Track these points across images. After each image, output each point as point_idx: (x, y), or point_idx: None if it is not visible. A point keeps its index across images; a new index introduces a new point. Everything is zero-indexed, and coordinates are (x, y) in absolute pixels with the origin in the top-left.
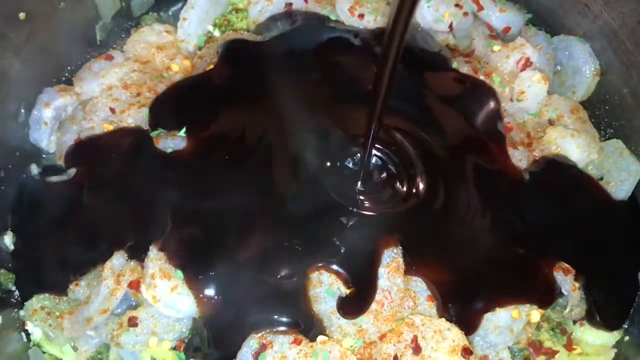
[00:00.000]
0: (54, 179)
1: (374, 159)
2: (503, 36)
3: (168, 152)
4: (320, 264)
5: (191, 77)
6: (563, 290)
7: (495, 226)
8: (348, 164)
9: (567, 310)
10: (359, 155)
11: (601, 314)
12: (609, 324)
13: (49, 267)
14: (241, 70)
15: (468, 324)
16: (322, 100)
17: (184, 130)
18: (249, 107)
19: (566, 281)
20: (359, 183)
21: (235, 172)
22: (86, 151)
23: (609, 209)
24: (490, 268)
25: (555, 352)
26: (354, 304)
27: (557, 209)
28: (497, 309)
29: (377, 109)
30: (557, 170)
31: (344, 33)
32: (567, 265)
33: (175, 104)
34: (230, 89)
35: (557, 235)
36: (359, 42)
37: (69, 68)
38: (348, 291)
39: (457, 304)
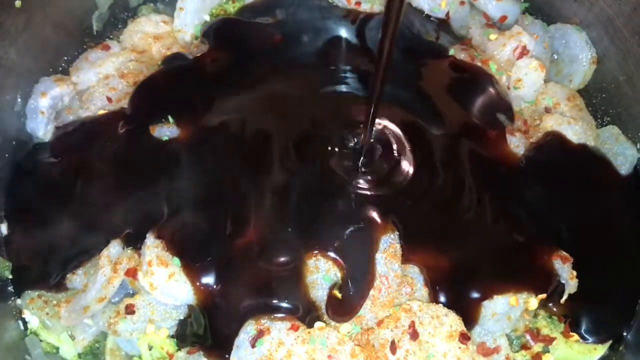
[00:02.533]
0: (47, 166)
1: (372, 145)
2: (500, 25)
3: (164, 139)
4: (316, 250)
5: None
6: (561, 279)
7: (493, 213)
8: (345, 149)
9: (564, 299)
10: (357, 139)
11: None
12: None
13: (43, 259)
14: (232, 51)
15: (465, 315)
16: (321, 83)
17: (170, 118)
18: (242, 90)
19: (564, 269)
20: (358, 168)
21: (231, 158)
22: (74, 138)
23: (613, 185)
24: (488, 255)
25: (553, 339)
26: (345, 304)
27: (556, 192)
28: (494, 296)
29: (376, 92)
30: (556, 147)
31: (340, 15)
32: (565, 253)
33: (156, 93)
34: (222, 72)
35: (556, 221)
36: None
37: (65, 58)
38: (339, 295)
39: (451, 293)
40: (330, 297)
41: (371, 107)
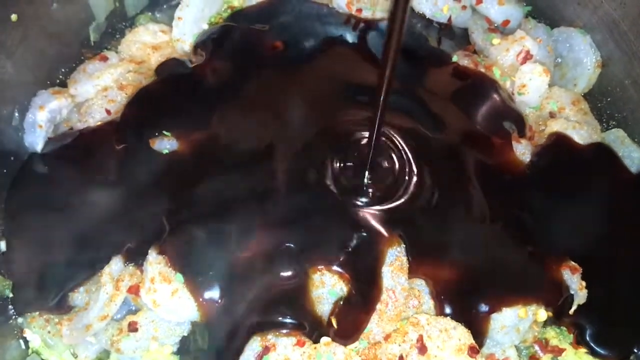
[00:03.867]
0: (44, 180)
1: (377, 157)
2: (502, 29)
3: (164, 152)
4: (321, 265)
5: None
6: (570, 290)
7: (500, 223)
8: (350, 162)
9: (573, 309)
10: (362, 152)
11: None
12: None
13: (43, 278)
14: (231, 59)
15: (474, 328)
16: (322, 95)
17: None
18: (243, 101)
19: (573, 280)
20: (363, 181)
21: (233, 171)
22: (67, 150)
23: (625, 185)
24: (496, 267)
25: (562, 350)
26: (350, 320)
27: (563, 199)
28: (503, 309)
29: (380, 103)
30: (561, 147)
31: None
32: (574, 263)
33: (151, 105)
34: (221, 84)
35: (564, 229)
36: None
37: (63, 70)
38: (335, 324)
39: (459, 306)
40: (330, 323)
41: (375, 120)
